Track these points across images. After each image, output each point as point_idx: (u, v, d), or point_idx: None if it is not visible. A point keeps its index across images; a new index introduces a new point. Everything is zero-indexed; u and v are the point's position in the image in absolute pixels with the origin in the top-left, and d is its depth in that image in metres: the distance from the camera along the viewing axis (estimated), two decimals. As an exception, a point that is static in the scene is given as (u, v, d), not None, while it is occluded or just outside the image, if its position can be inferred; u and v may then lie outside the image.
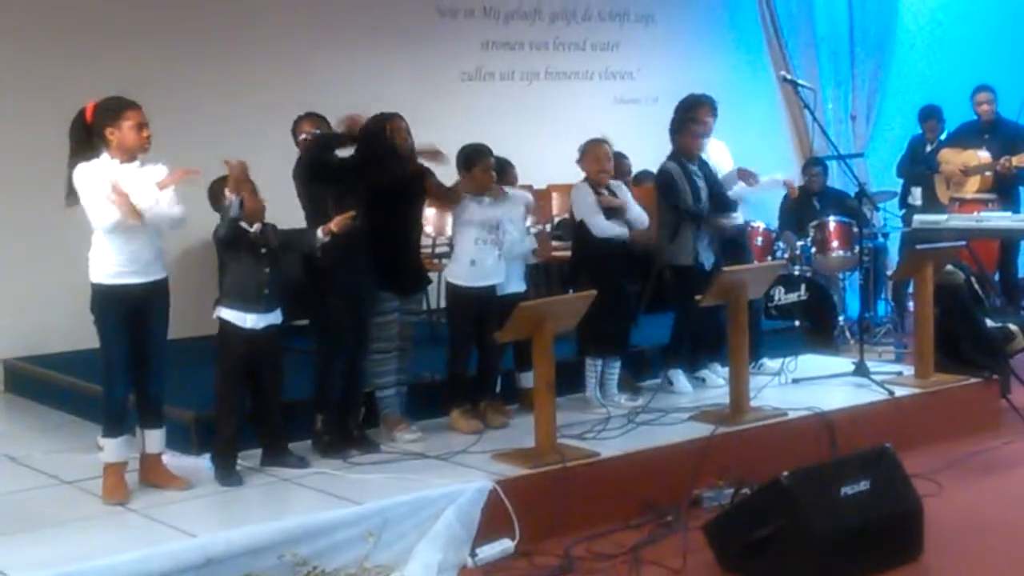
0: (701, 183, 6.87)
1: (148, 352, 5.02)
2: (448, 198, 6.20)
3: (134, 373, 5.02)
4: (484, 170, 6.11)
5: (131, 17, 7.91)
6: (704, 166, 6.97)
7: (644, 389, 6.80)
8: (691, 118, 6.97)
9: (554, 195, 9.10)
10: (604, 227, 6.40)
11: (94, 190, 4.81)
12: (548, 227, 8.64)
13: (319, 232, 5.34)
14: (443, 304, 6.41)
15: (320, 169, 5.57)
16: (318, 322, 5.71)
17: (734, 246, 7.24)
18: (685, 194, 6.77)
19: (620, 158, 6.97)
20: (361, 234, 5.54)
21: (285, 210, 5.50)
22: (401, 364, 5.97)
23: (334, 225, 5.33)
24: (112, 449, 4.99)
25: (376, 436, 5.82)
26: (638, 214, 6.54)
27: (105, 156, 4.89)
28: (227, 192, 5.10)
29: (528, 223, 6.66)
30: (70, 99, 5.10)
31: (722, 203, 7.02)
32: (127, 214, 4.77)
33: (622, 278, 6.52)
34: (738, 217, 7.35)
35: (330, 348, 5.65)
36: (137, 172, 4.90)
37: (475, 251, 6.08)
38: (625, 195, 6.58)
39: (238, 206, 5.08)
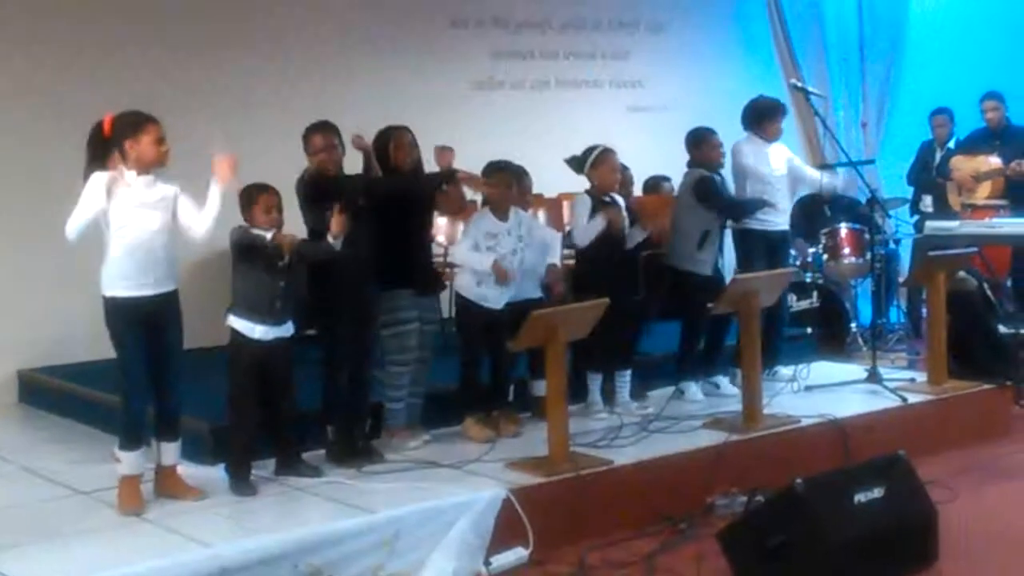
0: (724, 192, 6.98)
1: (165, 364, 5.03)
2: (451, 209, 6.11)
3: (152, 386, 5.03)
4: (496, 187, 6.01)
5: (147, 31, 7.92)
6: (723, 178, 7.03)
7: (654, 398, 6.79)
8: (767, 119, 7.18)
9: (565, 204, 9.07)
10: (586, 232, 6.36)
11: (91, 198, 4.80)
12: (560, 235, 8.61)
13: (329, 237, 5.32)
14: (454, 313, 6.41)
15: (325, 187, 5.52)
16: (324, 333, 5.70)
17: (780, 252, 7.29)
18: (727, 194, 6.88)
19: (623, 169, 6.92)
20: (366, 244, 5.55)
21: (295, 221, 5.51)
22: (417, 376, 5.94)
23: (334, 226, 5.29)
24: (129, 462, 5.00)
25: (380, 446, 5.81)
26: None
27: (122, 168, 4.89)
28: (260, 232, 5.16)
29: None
30: (87, 114, 5.10)
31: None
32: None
33: (623, 288, 6.40)
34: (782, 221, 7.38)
35: (335, 359, 5.64)
36: (151, 189, 4.93)
37: (481, 273, 6.02)
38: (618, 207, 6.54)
39: (270, 243, 5.11)
